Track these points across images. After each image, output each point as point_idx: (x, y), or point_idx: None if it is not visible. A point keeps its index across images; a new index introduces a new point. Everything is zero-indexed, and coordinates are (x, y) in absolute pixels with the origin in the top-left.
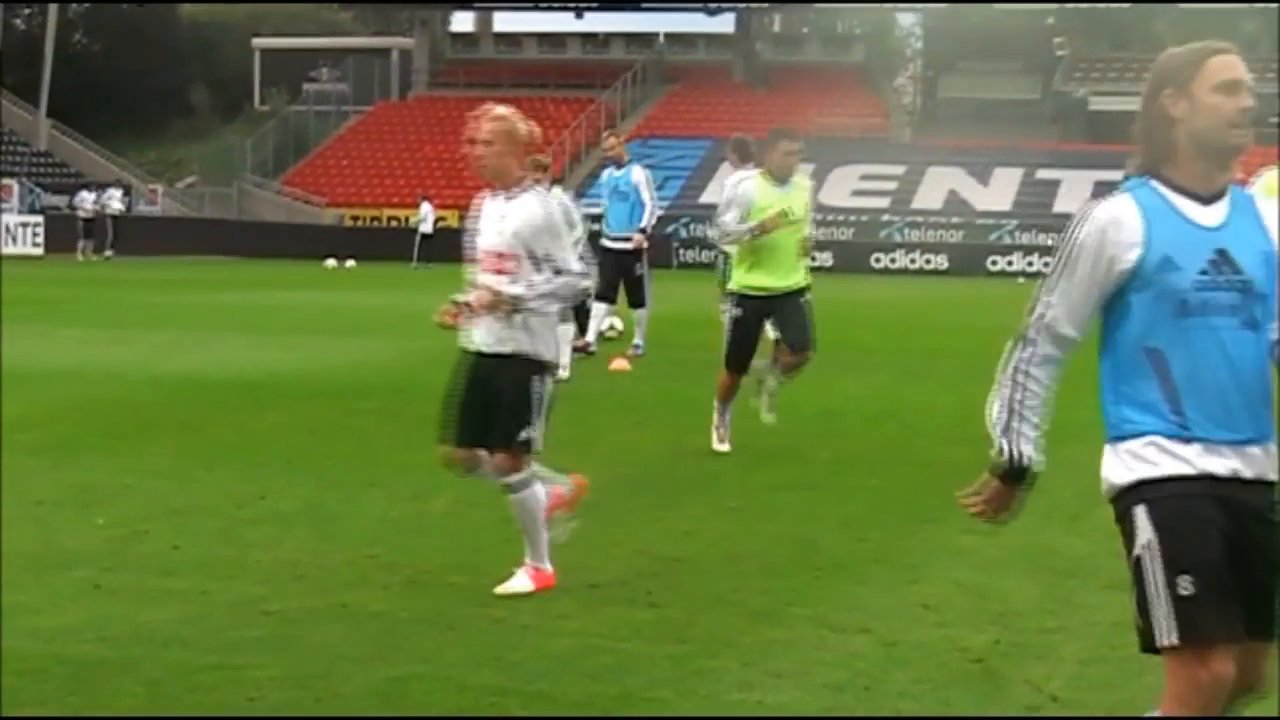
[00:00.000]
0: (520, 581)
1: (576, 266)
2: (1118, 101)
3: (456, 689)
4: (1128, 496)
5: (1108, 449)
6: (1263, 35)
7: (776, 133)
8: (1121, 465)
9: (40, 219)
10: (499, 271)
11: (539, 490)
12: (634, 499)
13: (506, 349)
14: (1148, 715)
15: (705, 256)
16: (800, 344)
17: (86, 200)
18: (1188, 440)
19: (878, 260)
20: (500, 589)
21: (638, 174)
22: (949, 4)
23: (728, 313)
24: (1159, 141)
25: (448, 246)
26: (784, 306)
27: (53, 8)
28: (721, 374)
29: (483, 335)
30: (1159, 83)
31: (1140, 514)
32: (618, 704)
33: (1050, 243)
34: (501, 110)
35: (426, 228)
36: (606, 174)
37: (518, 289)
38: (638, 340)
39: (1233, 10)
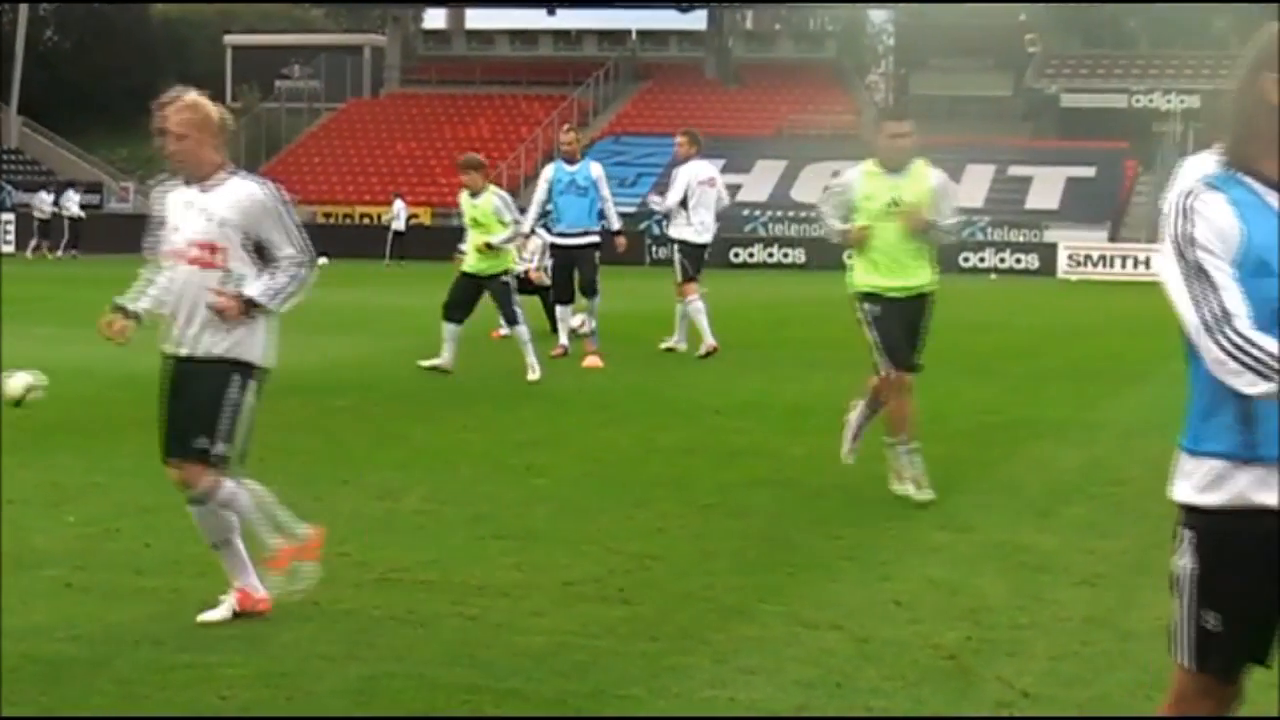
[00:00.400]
0: (223, 610)
1: (290, 251)
2: (1089, 99)
3: (428, 687)
4: (1182, 512)
5: (1180, 453)
6: (1232, 33)
7: (882, 112)
8: (1184, 480)
9: (11, 217)
10: (206, 265)
11: (228, 512)
12: (606, 496)
13: (205, 351)
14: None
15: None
16: (911, 358)
17: (45, 201)
18: (1251, 461)
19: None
20: (201, 618)
21: (596, 169)
22: (921, 3)
23: (862, 313)
24: (1256, 132)
25: (421, 244)
26: (905, 312)
27: (23, 5)
28: (873, 378)
29: (180, 336)
30: (1260, 64)
31: (1187, 537)
32: (590, 701)
33: (1022, 239)
34: (191, 98)
35: (399, 225)
36: (553, 170)
37: (254, 291)
38: (590, 327)
39: (1204, 8)
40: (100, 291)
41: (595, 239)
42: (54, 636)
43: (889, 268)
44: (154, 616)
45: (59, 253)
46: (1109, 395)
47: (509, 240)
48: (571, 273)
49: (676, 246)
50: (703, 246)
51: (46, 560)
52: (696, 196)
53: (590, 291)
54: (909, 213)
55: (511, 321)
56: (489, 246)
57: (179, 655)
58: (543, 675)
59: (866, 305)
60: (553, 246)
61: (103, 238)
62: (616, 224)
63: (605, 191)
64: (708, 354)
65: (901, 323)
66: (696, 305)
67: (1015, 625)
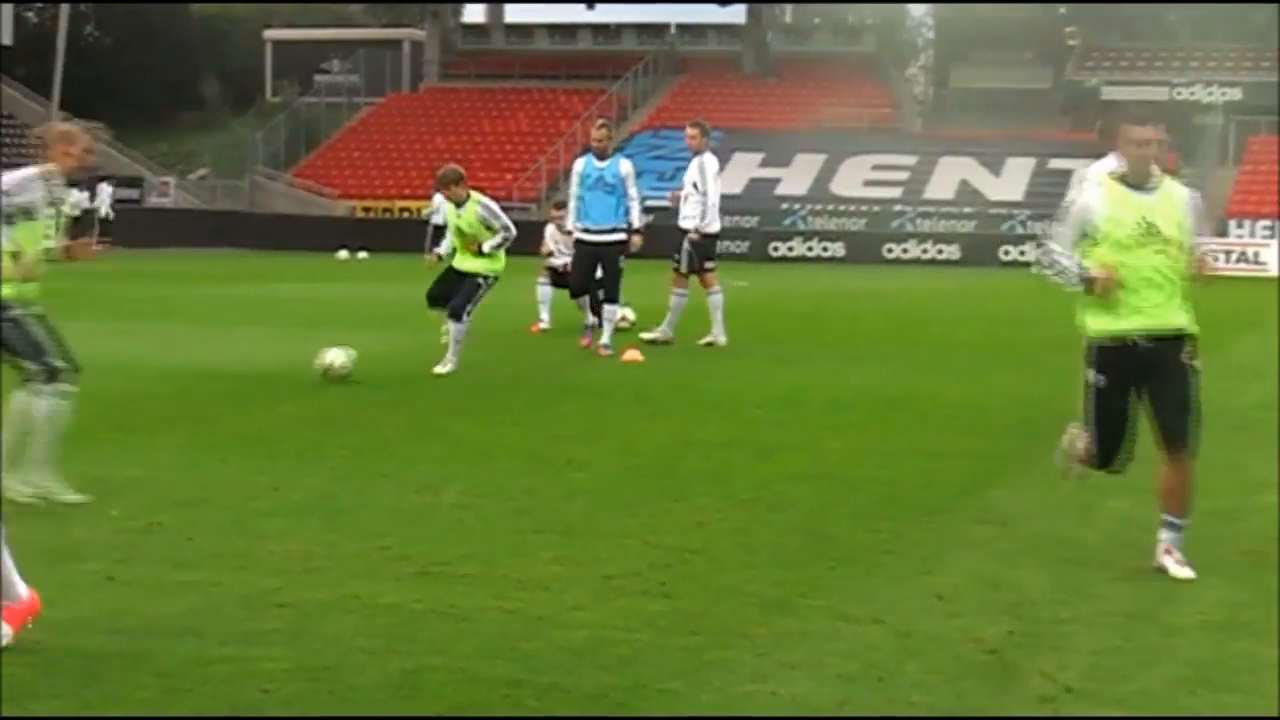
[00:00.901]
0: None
1: None
2: (1130, 91)
3: (469, 680)
4: None
5: None
6: (1275, 26)
7: (1125, 114)
8: None
9: (52, 210)
10: None
11: None
12: (645, 490)
13: None
14: None
15: (717, 247)
16: (1174, 434)
17: (79, 199)
18: None
19: (889, 250)
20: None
21: (626, 166)
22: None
23: (1086, 376)
24: None
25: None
26: (1158, 366)
27: (64, 3)
28: (1078, 447)
29: None
30: None
31: None
32: (631, 696)
33: None
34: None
35: (439, 219)
36: (583, 164)
37: None
38: (606, 340)
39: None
40: (138, 285)
41: (621, 237)
42: (96, 629)
43: (1138, 304)
44: (195, 610)
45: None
46: None
47: (500, 245)
48: (594, 267)
49: (688, 238)
50: (715, 237)
51: (88, 553)
52: (718, 188)
53: (612, 298)
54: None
55: (457, 316)
56: (480, 252)
57: (220, 649)
58: (583, 669)
59: (1092, 370)
60: (577, 240)
61: (142, 232)
62: (638, 222)
63: (632, 190)
64: (654, 342)
65: (1156, 380)
66: (720, 296)
67: (1057, 620)
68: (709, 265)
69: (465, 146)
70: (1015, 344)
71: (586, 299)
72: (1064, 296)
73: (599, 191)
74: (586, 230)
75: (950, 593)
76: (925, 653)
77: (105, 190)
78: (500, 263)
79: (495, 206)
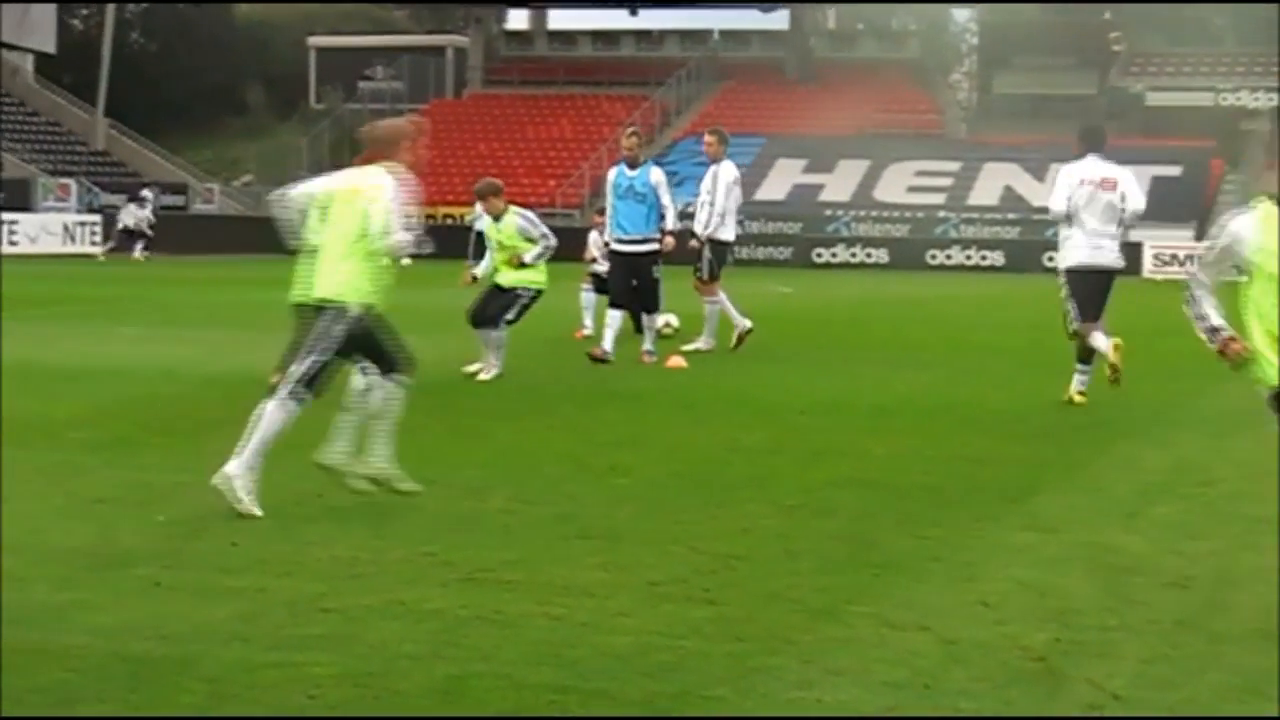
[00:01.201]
0: None
1: None
2: (1174, 97)
3: (514, 687)
4: None
5: None
6: None
7: None
8: None
9: (98, 218)
10: None
11: None
12: (690, 496)
13: None
14: None
15: (761, 253)
16: None
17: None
18: None
19: (933, 257)
20: None
21: (657, 174)
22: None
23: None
24: None
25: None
26: None
27: (110, 8)
28: None
29: None
30: None
31: None
32: (676, 702)
33: None
34: None
35: (481, 225)
36: (615, 173)
37: None
38: (648, 345)
39: None
40: (183, 291)
41: (655, 246)
42: (142, 634)
43: None
44: (241, 615)
45: (136, 254)
46: (1196, 394)
47: (541, 256)
48: (629, 279)
49: (709, 246)
50: (727, 245)
51: (135, 559)
52: (732, 196)
53: (650, 307)
54: None
55: (494, 324)
56: (523, 264)
57: (266, 654)
58: (629, 675)
59: None
60: (611, 252)
61: (187, 239)
62: (671, 224)
63: (665, 198)
64: (696, 352)
65: None
66: (722, 302)
67: (1104, 627)
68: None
69: (508, 153)
70: (1059, 350)
71: (619, 314)
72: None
73: (630, 201)
74: (620, 241)
75: (996, 600)
76: (971, 660)
77: (147, 195)
78: (543, 275)
79: (533, 216)
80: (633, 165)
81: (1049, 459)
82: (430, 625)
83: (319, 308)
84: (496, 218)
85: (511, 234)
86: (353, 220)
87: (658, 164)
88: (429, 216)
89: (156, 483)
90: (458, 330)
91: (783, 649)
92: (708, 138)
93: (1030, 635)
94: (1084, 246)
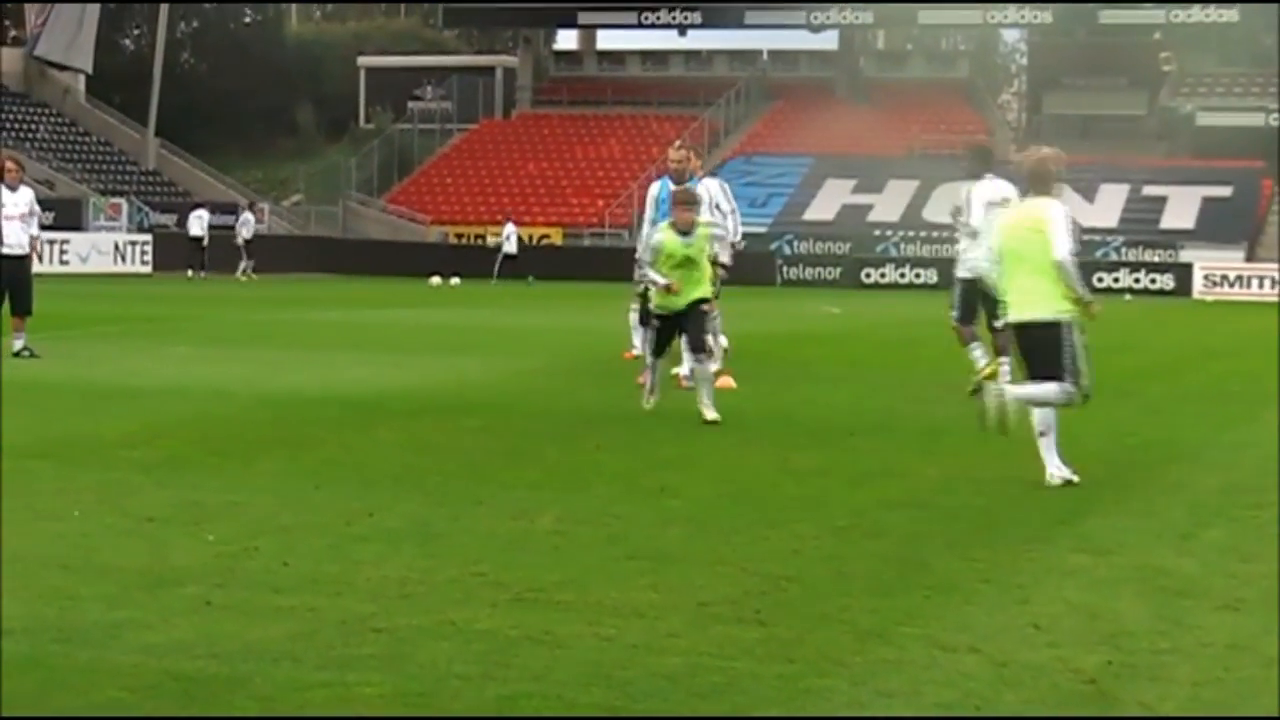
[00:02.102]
0: None
1: None
2: (1225, 117)
3: (565, 707)
4: None
5: None
6: None
7: None
8: None
9: (149, 237)
10: None
11: None
12: (740, 517)
13: None
14: None
15: (809, 274)
16: None
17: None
18: None
19: None
20: None
21: (707, 188)
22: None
23: None
24: None
25: (549, 263)
26: None
27: (161, 29)
28: None
29: None
30: None
31: None
32: None
33: (1157, 259)
34: None
35: (510, 248)
36: (659, 187)
37: None
38: (685, 371)
39: None
40: (234, 311)
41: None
42: (194, 654)
43: None
44: (292, 635)
45: (191, 273)
46: (1247, 417)
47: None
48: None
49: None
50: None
51: (187, 577)
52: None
53: (698, 342)
54: None
55: (699, 348)
56: (725, 267)
57: (318, 674)
58: (680, 696)
59: None
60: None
61: (237, 258)
62: (734, 237)
63: (726, 207)
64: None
65: None
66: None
67: (1156, 650)
68: None
69: (557, 172)
70: (1108, 372)
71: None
72: (1157, 324)
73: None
74: None
75: (1048, 622)
76: (1023, 682)
77: (202, 215)
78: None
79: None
80: (679, 181)
81: (1100, 481)
82: (481, 645)
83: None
84: (685, 233)
85: (704, 246)
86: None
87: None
88: (478, 236)
89: (208, 502)
90: (505, 350)
91: (833, 670)
92: (688, 154)
93: (1082, 658)
94: (984, 261)
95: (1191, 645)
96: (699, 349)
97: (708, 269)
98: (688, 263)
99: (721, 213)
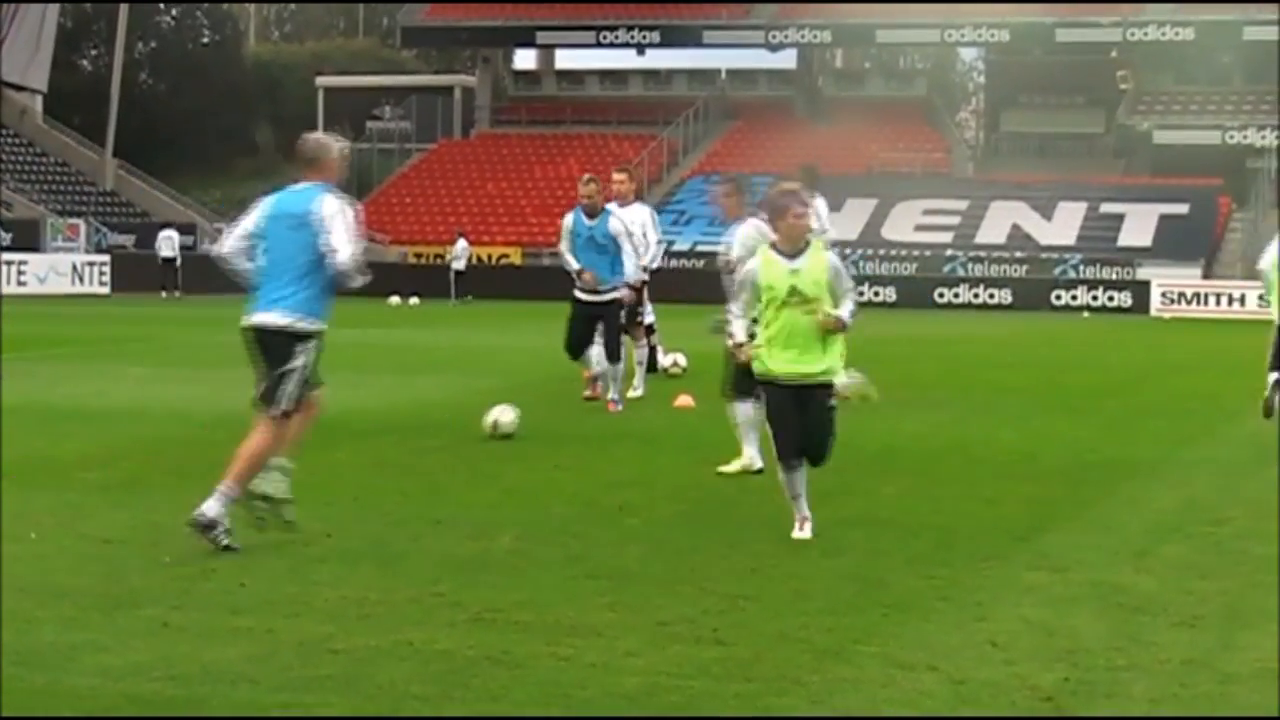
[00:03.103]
0: None
1: None
2: (1182, 135)
3: None
4: None
5: None
6: None
7: None
8: None
9: (107, 258)
10: None
11: None
12: (699, 536)
13: None
14: None
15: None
16: None
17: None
18: None
19: (941, 295)
20: None
21: (618, 223)
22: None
23: None
24: None
25: (507, 283)
26: None
27: (119, 49)
28: None
29: None
30: None
31: None
32: None
33: (1115, 277)
34: None
35: (459, 265)
36: (573, 220)
37: None
38: (614, 395)
39: None
40: (193, 332)
41: (616, 296)
42: (151, 675)
43: None
44: (250, 657)
45: (162, 293)
46: (1205, 434)
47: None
48: (591, 328)
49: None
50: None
51: (144, 599)
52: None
53: (614, 356)
54: None
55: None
56: (840, 325)
57: (275, 695)
58: (638, 716)
59: None
60: (573, 299)
61: (196, 279)
62: (648, 263)
63: (627, 245)
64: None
65: None
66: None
67: (1113, 667)
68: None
69: (516, 192)
70: (1066, 389)
71: (591, 351)
72: (1115, 341)
73: (591, 251)
74: (582, 290)
75: (1005, 639)
76: (980, 700)
77: (171, 236)
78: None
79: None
80: (591, 214)
81: (1058, 498)
82: (439, 666)
83: None
84: (794, 255)
85: (820, 279)
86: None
87: (644, 203)
88: (438, 256)
89: (165, 523)
90: (464, 370)
91: (792, 689)
92: (622, 175)
93: (1039, 675)
94: None
95: (1148, 662)
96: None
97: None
98: (799, 300)
99: (647, 241)
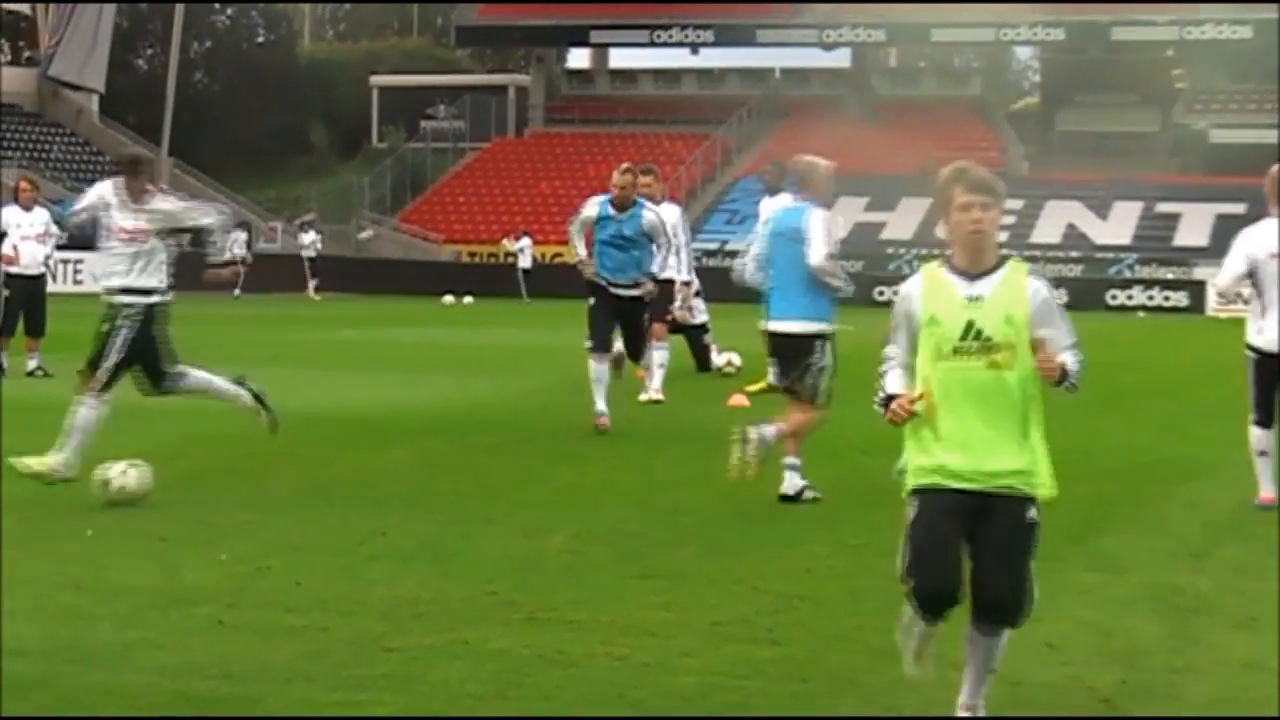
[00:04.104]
0: None
1: None
2: (1238, 134)
3: None
4: None
5: None
6: None
7: None
8: None
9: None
10: None
11: None
12: (753, 536)
13: None
14: None
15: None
16: None
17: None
18: None
19: None
20: None
21: (653, 218)
22: (1068, 36)
23: None
24: None
25: (562, 281)
26: None
27: (174, 49)
28: None
29: None
30: None
31: None
32: None
33: (1171, 276)
34: None
35: (525, 262)
36: (599, 208)
37: None
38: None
39: None
40: (247, 330)
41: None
42: (207, 674)
43: None
44: (305, 654)
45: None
46: None
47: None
48: (615, 320)
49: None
50: (668, 283)
51: (199, 597)
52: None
53: (637, 353)
54: None
55: None
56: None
57: (330, 694)
58: (693, 716)
59: None
60: (595, 285)
61: (250, 278)
62: (657, 268)
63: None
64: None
65: None
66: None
67: (1171, 669)
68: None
69: (569, 191)
70: (1122, 390)
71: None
72: (1171, 341)
73: (613, 247)
74: (609, 284)
75: (1061, 641)
76: (1037, 701)
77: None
78: None
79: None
80: (622, 206)
81: (1115, 499)
82: (493, 665)
83: None
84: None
85: (1019, 315)
86: None
87: (675, 203)
88: (491, 255)
89: (220, 521)
90: (515, 368)
91: (846, 690)
92: (649, 179)
93: (1096, 676)
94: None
95: (1206, 664)
96: None
97: None
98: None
99: (676, 243)
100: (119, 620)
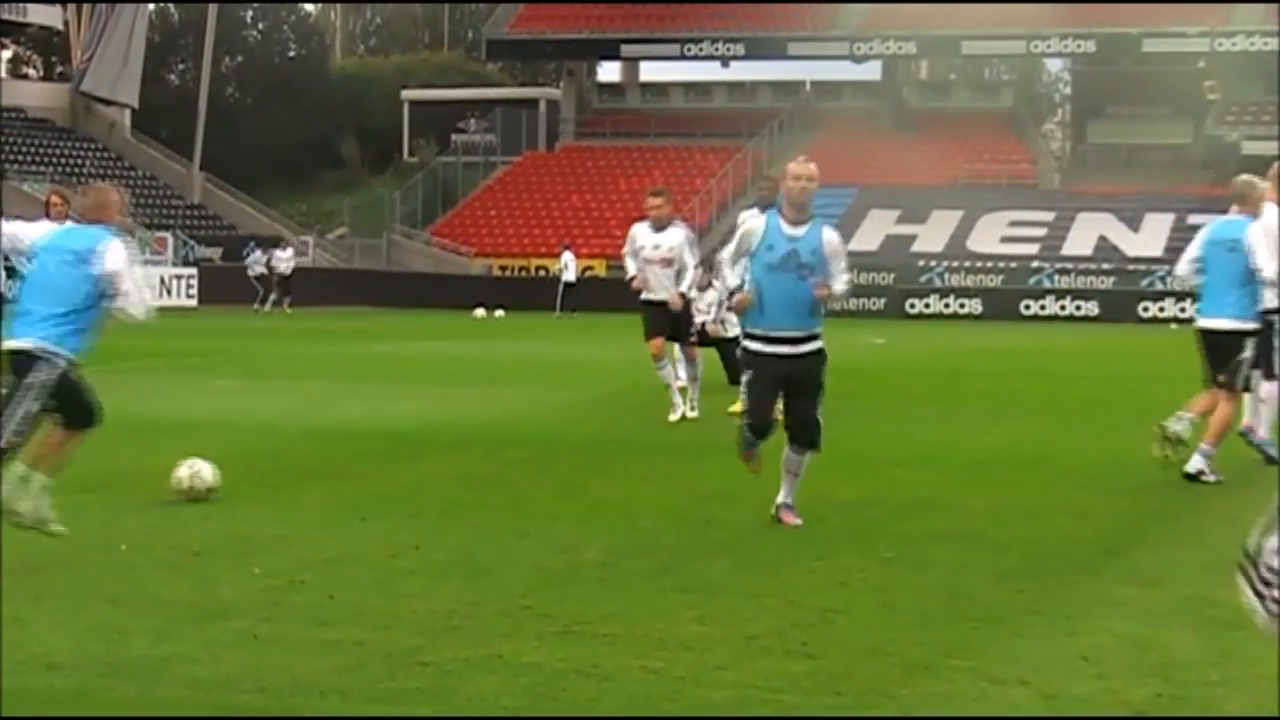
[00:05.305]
0: None
1: None
2: (1271, 145)
3: None
4: None
5: None
6: None
7: None
8: None
9: (194, 271)
10: None
11: None
12: (786, 549)
13: None
14: None
15: (854, 304)
16: None
17: (258, 260)
18: None
19: (1027, 307)
20: None
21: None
22: (1099, 48)
23: None
24: None
25: (592, 295)
26: None
27: (206, 64)
28: None
29: None
30: None
31: None
32: None
33: None
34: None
35: (569, 276)
36: (765, 222)
37: None
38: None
39: None
40: (279, 344)
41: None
42: (241, 688)
43: None
44: (339, 669)
45: (264, 306)
46: None
47: None
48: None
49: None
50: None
51: (233, 611)
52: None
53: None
54: None
55: None
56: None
57: (366, 707)
58: None
59: None
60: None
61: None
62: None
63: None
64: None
65: None
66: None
67: (1207, 682)
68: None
69: (601, 204)
70: (1155, 402)
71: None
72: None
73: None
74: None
75: (1097, 654)
76: (1072, 715)
77: (281, 255)
78: None
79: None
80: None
81: (1149, 512)
82: (528, 679)
83: None
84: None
85: None
86: None
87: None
88: (522, 268)
89: (254, 535)
90: (548, 382)
91: (881, 703)
92: (659, 200)
93: (1132, 690)
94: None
95: (1243, 677)
96: None
97: None
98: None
99: (686, 265)
100: (153, 634)
